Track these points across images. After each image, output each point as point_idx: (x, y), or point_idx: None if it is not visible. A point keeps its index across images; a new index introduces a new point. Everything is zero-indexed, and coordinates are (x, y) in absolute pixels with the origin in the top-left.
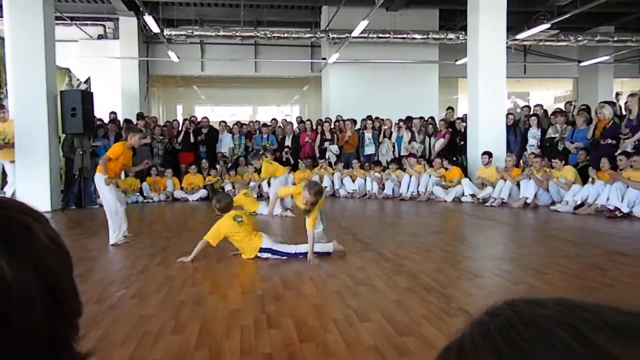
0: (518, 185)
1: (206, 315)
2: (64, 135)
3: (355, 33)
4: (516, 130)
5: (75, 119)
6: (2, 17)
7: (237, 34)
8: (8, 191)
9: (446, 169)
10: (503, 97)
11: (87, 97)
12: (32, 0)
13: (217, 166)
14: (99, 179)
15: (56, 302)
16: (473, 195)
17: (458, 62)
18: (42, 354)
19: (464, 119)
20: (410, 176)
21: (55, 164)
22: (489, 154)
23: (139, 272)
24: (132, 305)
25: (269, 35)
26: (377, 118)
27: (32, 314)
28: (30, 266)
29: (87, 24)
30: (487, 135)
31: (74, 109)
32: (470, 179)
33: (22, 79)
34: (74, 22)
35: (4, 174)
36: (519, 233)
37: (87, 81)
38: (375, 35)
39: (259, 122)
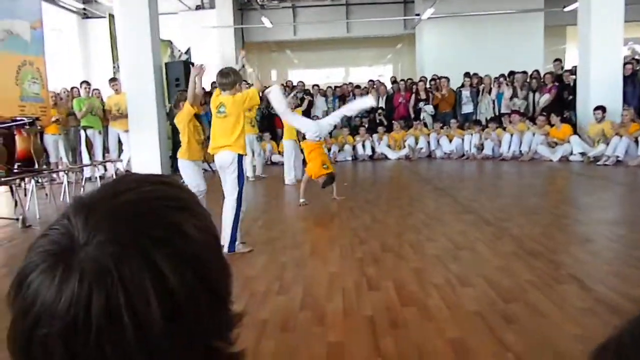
0: (637, 141)
1: (308, 278)
2: (170, 104)
3: None
4: (635, 81)
5: (179, 89)
6: None
7: None
8: (124, 158)
9: (552, 125)
10: (619, 44)
11: (188, 68)
12: None
13: None
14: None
15: (212, 292)
16: (583, 154)
17: (567, 9)
18: (211, 337)
19: (573, 71)
20: (512, 135)
21: (163, 132)
22: (602, 108)
23: (243, 234)
24: (238, 266)
25: None
26: (475, 74)
27: (199, 313)
28: (189, 269)
29: None
30: (600, 88)
31: (177, 79)
32: (580, 136)
33: (131, 53)
34: None
35: (120, 142)
36: (636, 194)
37: (188, 52)
38: None
39: (352, 84)
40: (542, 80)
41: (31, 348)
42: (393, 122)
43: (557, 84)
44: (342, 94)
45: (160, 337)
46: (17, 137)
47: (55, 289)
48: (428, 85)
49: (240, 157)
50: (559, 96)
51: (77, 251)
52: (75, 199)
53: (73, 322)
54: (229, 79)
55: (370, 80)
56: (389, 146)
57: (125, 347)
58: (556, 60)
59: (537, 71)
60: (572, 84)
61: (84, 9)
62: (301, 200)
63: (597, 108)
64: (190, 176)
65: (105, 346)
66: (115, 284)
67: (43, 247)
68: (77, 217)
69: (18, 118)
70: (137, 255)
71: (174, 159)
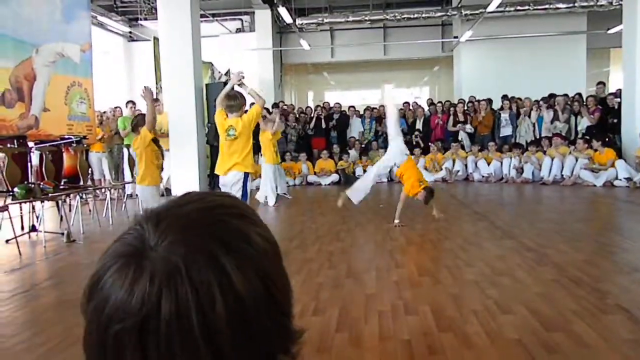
0: None
1: (344, 299)
2: (209, 124)
3: (491, 8)
4: None
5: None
6: (157, 19)
7: (366, 18)
8: (164, 176)
9: (595, 150)
10: None
11: None
12: (182, 2)
13: (350, 151)
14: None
15: (275, 300)
16: (629, 179)
17: (610, 31)
18: (274, 348)
19: (617, 94)
20: (553, 158)
21: (202, 151)
22: None
23: None
24: None
25: (398, 17)
26: (513, 97)
27: (263, 321)
28: (254, 274)
29: (226, 19)
30: None
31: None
32: (625, 161)
33: (174, 74)
34: (215, 18)
35: None
36: None
37: (227, 73)
38: (512, 9)
39: None
40: (584, 103)
41: (105, 346)
42: (430, 144)
43: (600, 107)
44: (378, 116)
45: (226, 341)
46: (64, 155)
47: (127, 288)
48: (466, 108)
49: (246, 175)
50: (603, 120)
51: (148, 252)
52: (146, 210)
53: (145, 319)
54: (237, 101)
55: (406, 102)
56: (425, 168)
57: (193, 346)
58: (599, 83)
59: (579, 94)
60: (616, 107)
61: (130, 32)
62: (396, 221)
63: None
64: (149, 202)
65: (175, 343)
66: (184, 283)
67: (116, 250)
68: (148, 222)
69: (66, 136)
70: (205, 257)
71: (211, 177)
